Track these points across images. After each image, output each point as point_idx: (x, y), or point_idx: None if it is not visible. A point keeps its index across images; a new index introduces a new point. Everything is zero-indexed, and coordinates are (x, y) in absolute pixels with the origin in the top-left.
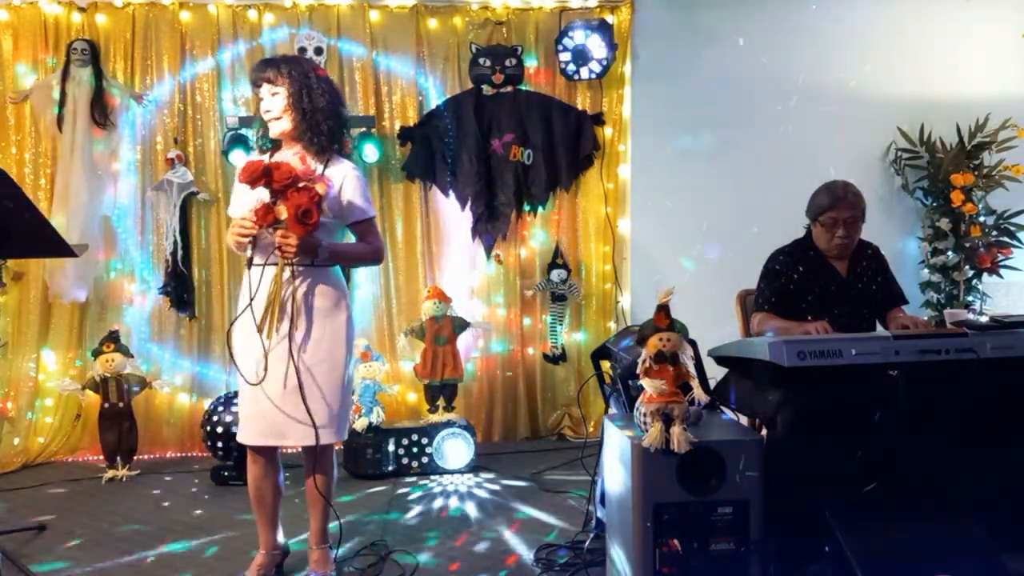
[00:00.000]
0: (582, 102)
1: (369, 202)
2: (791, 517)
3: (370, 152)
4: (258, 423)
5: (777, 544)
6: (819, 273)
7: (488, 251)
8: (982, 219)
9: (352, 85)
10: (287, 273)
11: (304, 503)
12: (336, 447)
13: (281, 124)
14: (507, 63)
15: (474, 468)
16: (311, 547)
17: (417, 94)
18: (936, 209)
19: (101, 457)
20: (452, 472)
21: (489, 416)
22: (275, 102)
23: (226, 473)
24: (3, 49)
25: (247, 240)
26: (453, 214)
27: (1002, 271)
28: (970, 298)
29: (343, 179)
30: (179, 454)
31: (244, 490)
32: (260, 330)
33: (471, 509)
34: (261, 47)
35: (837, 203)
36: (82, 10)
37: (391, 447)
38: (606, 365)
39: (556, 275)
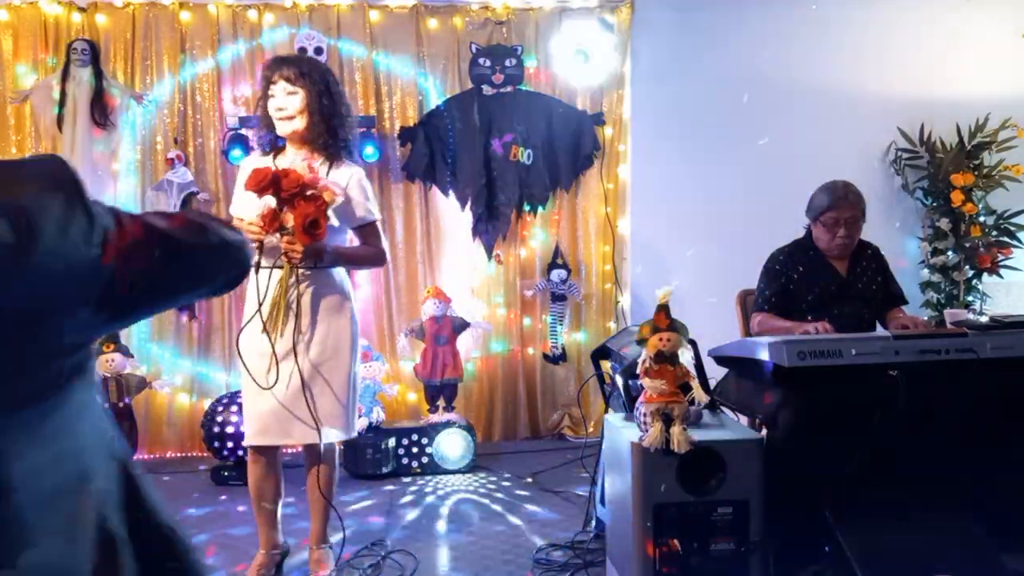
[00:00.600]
0: (582, 102)
1: (375, 205)
2: (791, 517)
3: (370, 152)
4: (262, 422)
5: (777, 544)
6: (819, 273)
7: (488, 251)
8: (982, 219)
9: (352, 85)
10: (292, 276)
11: (305, 503)
12: (338, 447)
13: (294, 124)
14: (507, 63)
15: (474, 468)
16: (311, 547)
17: (417, 94)
18: (936, 209)
19: None
20: (452, 472)
21: (489, 416)
22: (291, 101)
23: (226, 473)
24: (3, 49)
25: (254, 246)
26: (453, 214)
27: (1002, 271)
28: (970, 298)
29: (348, 182)
30: (179, 454)
31: (244, 490)
32: (266, 332)
33: (471, 509)
34: (261, 47)
35: (838, 203)
36: (82, 10)
37: (391, 447)
38: (606, 365)
39: (556, 275)
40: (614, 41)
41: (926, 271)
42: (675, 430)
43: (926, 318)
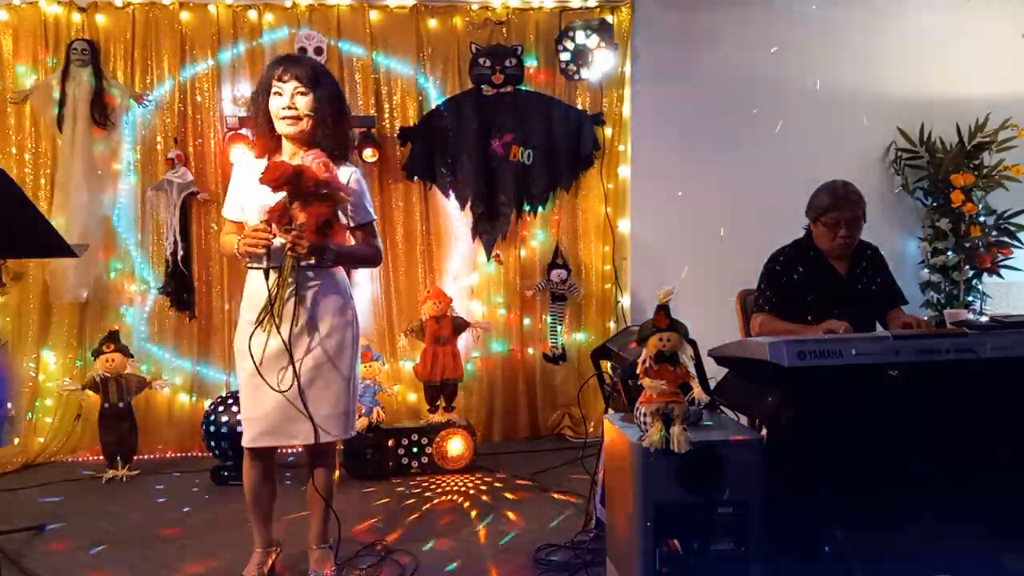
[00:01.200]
0: (582, 102)
1: (370, 205)
2: (791, 517)
3: (370, 152)
4: (265, 424)
5: (777, 544)
6: (819, 273)
7: (488, 251)
8: (982, 219)
9: (352, 85)
10: (293, 273)
11: (304, 502)
12: (337, 447)
13: (300, 125)
14: (507, 63)
15: (474, 468)
16: (311, 547)
17: (417, 94)
18: (936, 209)
19: (101, 457)
20: (452, 472)
21: (489, 416)
22: (301, 102)
23: (226, 473)
24: (3, 49)
25: (263, 251)
26: (453, 214)
27: (1002, 271)
28: (970, 298)
29: (347, 182)
30: (179, 454)
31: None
32: (264, 330)
33: (471, 509)
34: (261, 47)
35: (839, 203)
36: (82, 10)
37: (391, 447)
38: (606, 365)
39: (556, 275)
40: (614, 41)
41: (926, 271)
42: (675, 430)
43: (926, 318)
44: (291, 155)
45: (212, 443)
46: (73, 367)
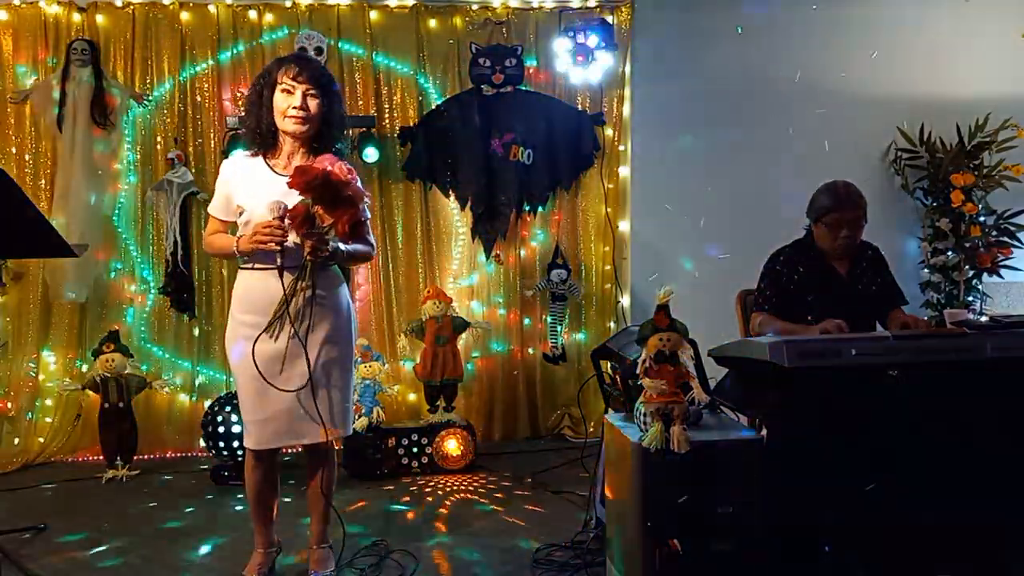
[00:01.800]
0: (582, 102)
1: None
2: (791, 517)
3: (370, 152)
4: (273, 425)
5: (777, 544)
6: (819, 273)
7: (488, 251)
8: (982, 219)
9: (352, 85)
10: (307, 277)
11: (304, 502)
12: (336, 447)
13: (306, 126)
14: (507, 63)
15: (474, 468)
16: (311, 547)
17: (417, 94)
18: (936, 209)
19: (101, 457)
20: (452, 472)
21: (489, 416)
22: (312, 104)
23: (226, 473)
24: (3, 49)
25: (277, 247)
26: (453, 214)
27: (1002, 271)
28: (970, 298)
29: None
30: (179, 454)
31: (243, 490)
32: (272, 334)
33: (471, 509)
34: (261, 47)
35: (841, 204)
36: (82, 10)
37: (391, 447)
38: (606, 365)
39: (556, 275)
40: (614, 41)
41: (926, 271)
42: (675, 430)
43: (926, 318)
44: (290, 154)
45: (212, 443)
46: (73, 367)
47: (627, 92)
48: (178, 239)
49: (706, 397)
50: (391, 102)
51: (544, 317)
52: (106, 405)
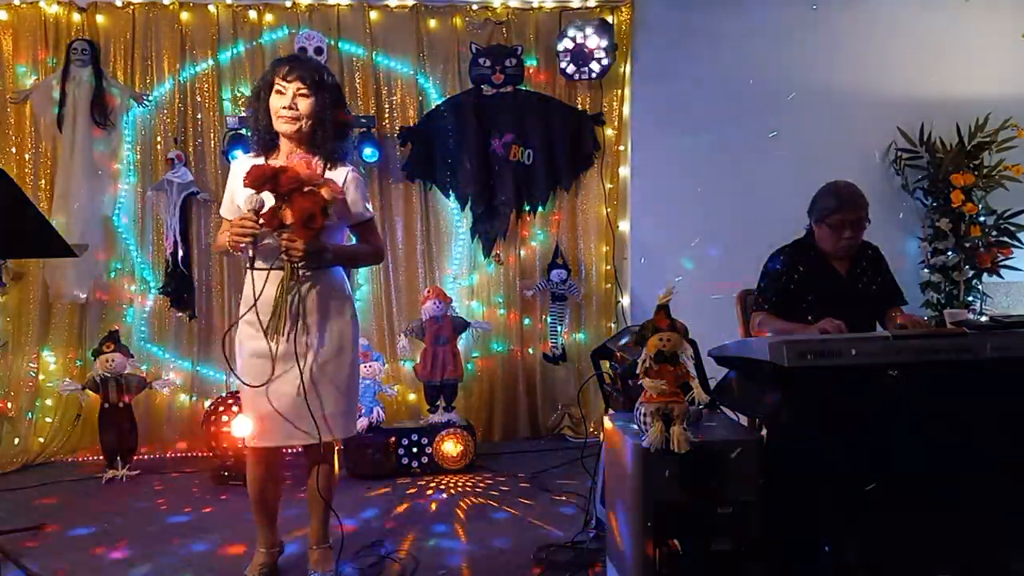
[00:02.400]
0: (582, 102)
1: (368, 203)
2: (791, 517)
3: (370, 152)
4: (266, 424)
5: (777, 544)
6: (819, 273)
7: (488, 251)
8: (982, 219)
9: (352, 85)
10: (293, 277)
11: (304, 502)
12: (337, 447)
13: (297, 125)
14: (507, 63)
15: (474, 468)
16: (311, 547)
17: (417, 94)
18: (936, 209)
19: (101, 457)
20: (452, 472)
21: (489, 416)
22: (302, 104)
23: (226, 473)
24: (3, 49)
25: (248, 240)
26: (453, 214)
27: (1002, 271)
28: (970, 298)
29: (344, 181)
30: (179, 454)
31: (244, 490)
32: (267, 334)
33: (471, 509)
34: (261, 47)
35: (844, 206)
36: (82, 10)
37: (391, 447)
38: (606, 365)
39: (556, 275)
40: (614, 41)
41: (926, 271)
42: (675, 430)
43: (926, 318)
44: (288, 153)
45: (212, 443)
46: (73, 367)
47: (627, 92)
48: (178, 239)
49: (706, 397)
50: (391, 102)
51: (544, 317)
52: (106, 405)
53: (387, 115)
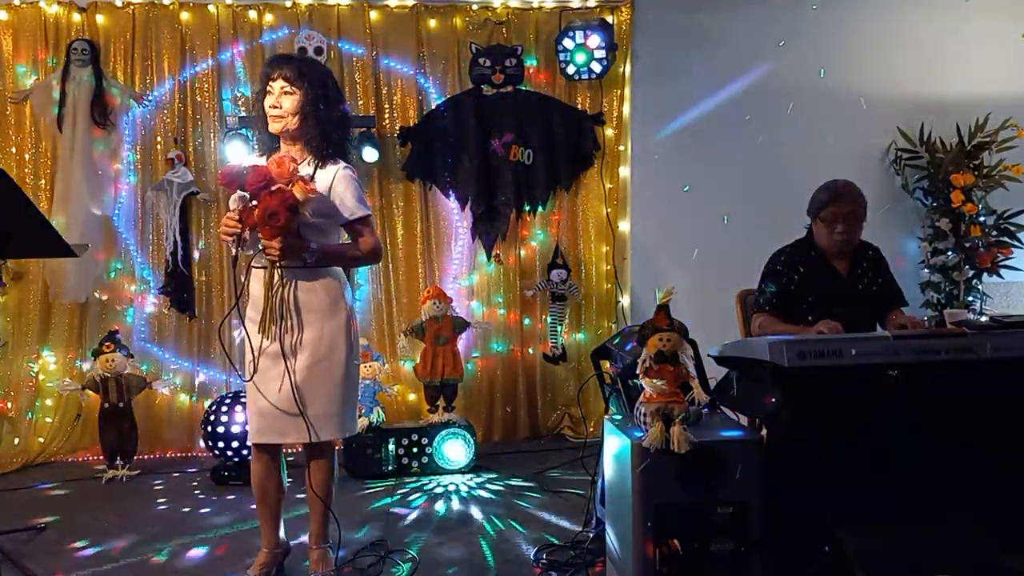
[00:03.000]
0: (582, 102)
1: (362, 201)
2: (791, 517)
3: (370, 152)
4: (259, 421)
5: (777, 544)
6: (820, 273)
7: (488, 251)
8: (982, 219)
9: (352, 85)
10: (276, 275)
11: (305, 502)
12: (336, 447)
13: (284, 124)
14: (507, 63)
15: (474, 468)
16: (311, 547)
17: (417, 94)
18: (936, 209)
19: (101, 457)
20: (452, 472)
21: (489, 416)
22: (285, 101)
23: (226, 473)
24: (3, 49)
25: (231, 238)
26: (453, 214)
27: (1002, 271)
28: (970, 298)
29: (333, 178)
30: (179, 454)
31: (244, 490)
32: (258, 331)
33: (471, 509)
34: (261, 47)
35: (836, 198)
36: (82, 10)
37: (391, 447)
38: (606, 365)
39: (556, 275)
40: (614, 41)
41: (926, 271)
42: (675, 430)
43: (926, 318)
44: (285, 152)
45: (212, 443)
46: (73, 367)
47: (627, 92)
48: (178, 239)
49: (706, 397)
50: (391, 102)
51: (544, 317)
52: (106, 405)
53: (387, 115)
